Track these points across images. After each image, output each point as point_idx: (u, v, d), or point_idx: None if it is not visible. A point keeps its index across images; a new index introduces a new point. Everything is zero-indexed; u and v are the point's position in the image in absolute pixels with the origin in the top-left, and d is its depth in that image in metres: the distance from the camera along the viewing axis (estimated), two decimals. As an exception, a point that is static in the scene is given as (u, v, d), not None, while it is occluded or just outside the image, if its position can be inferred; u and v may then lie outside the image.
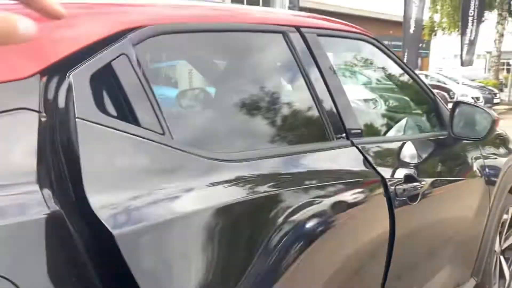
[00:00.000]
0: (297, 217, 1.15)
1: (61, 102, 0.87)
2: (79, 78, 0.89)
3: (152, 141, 0.96)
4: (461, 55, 14.82)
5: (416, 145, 1.83)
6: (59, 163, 0.83)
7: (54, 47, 0.90)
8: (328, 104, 1.48)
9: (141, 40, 1.04)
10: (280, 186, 1.17)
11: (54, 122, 0.85)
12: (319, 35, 1.58)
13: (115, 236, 0.80)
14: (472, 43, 14.57)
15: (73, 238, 0.80)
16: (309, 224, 1.19)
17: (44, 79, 0.86)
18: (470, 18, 14.74)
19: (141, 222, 0.87)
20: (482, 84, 17.11)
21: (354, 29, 1.85)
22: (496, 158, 2.49)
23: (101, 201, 0.83)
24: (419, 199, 1.64)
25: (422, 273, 1.89)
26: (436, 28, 22.96)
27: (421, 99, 2.16)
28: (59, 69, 0.89)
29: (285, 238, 1.10)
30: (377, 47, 1.93)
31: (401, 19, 40.13)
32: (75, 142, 0.84)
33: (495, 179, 2.41)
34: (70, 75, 0.88)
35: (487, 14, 18.22)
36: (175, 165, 1.00)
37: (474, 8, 14.78)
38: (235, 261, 1.01)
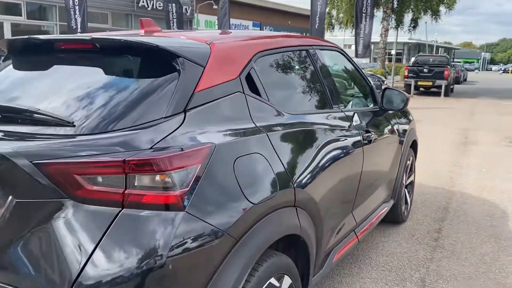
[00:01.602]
0: (321, 139, 2.31)
1: (246, 86, 1.93)
2: (247, 76, 1.96)
3: (265, 102, 2.02)
4: (356, 48, 17.01)
5: (366, 113, 3.11)
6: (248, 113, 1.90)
7: (239, 62, 1.97)
8: (330, 87, 2.68)
9: (260, 56, 2.13)
10: (311, 126, 2.32)
11: (245, 96, 1.92)
12: (321, 49, 2.76)
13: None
14: (366, 37, 16.79)
15: None
16: (333, 140, 2.39)
17: (242, 77, 1.92)
18: (364, 14, 16.92)
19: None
20: (372, 72, 19.53)
21: (331, 44, 3.07)
22: (403, 124, 3.89)
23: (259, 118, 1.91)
24: (372, 142, 2.93)
25: (371, 189, 3.18)
26: (333, 23, 25.34)
27: (365, 86, 3.43)
28: (242, 71, 1.95)
29: (320, 145, 2.27)
30: (342, 54, 3.18)
31: (298, 11, 41.95)
32: (244, 103, 1.89)
33: (403, 137, 3.81)
34: (250, 70, 1.96)
35: (375, 11, 20.72)
36: (270, 113, 2.06)
37: (367, 6, 16.96)
38: (297, 157, 2.12)
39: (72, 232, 1.38)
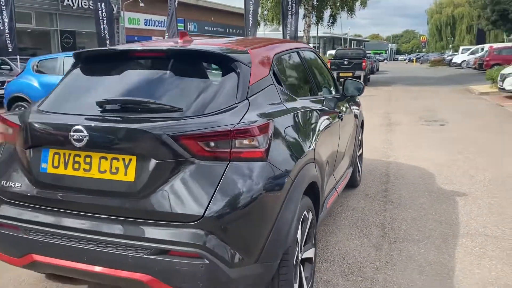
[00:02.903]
0: (319, 116, 3.18)
1: (274, 80, 2.73)
2: (273, 73, 2.77)
3: (285, 91, 2.84)
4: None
5: (333, 98, 4.03)
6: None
7: (267, 62, 2.77)
8: (314, 79, 3.56)
9: (277, 57, 2.94)
10: (311, 107, 3.18)
11: (275, 87, 2.72)
12: (305, 50, 3.63)
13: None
14: (292, 33, 18.02)
15: None
16: (324, 117, 3.27)
17: (271, 73, 2.72)
18: (289, 12, 18.13)
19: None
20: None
21: (308, 47, 3.95)
22: (356, 107, 4.89)
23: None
24: (342, 119, 3.86)
25: (342, 156, 4.10)
26: (259, 19, 26.43)
27: (330, 78, 4.35)
28: (270, 69, 2.75)
29: (319, 121, 3.14)
30: (315, 54, 4.08)
31: (221, 7, 42.25)
32: (276, 92, 2.71)
33: (356, 118, 4.81)
34: (273, 68, 2.77)
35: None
36: (290, 98, 2.88)
37: (292, 3, 18.19)
38: (310, 128, 2.97)
39: (198, 179, 2.11)
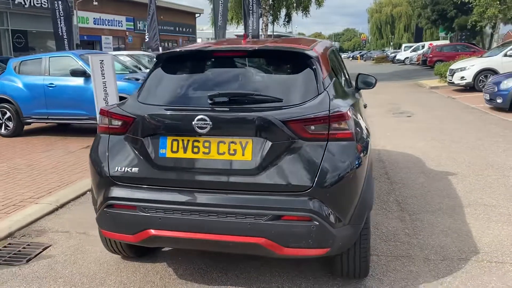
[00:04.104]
0: (362, 103, 3.70)
1: (334, 74, 3.21)
2: (332, 67, 3.25)
3: (342, 83, 3.34)
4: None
5: (354, 90, 4.56)
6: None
7: (326, 59, 3.23)
8: (346, 73, 4.07)
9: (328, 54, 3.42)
10: (357, 96, 3.69)
11: (338, 80, 3.20)
12: (333, 48, 4.13)
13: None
14: (254, 31, 18.54)
15: None
16: (363, 105, 3.79)
17: (331, 69, 3.19)
18: (251, 12, 18.65)
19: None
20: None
21: (333, 44, 4.45)
22: (361, 98, 5.47)
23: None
24: (365, 107, 4.40)
25: None
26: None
27: (346, 73, 4.88)
28: (330, 65, 3.22)
29: (363, 108, 3.65)
30: (338, 51, 4.59)
31: (170, 6, 41.91)
32: (339, 84, 3.19)
33: (365, 107, 5.39)
34: (330, 64, 3.25)
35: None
36: (347, 88, 3.39)
37: (252, 4, 18.72)
38: (363, 114, 3.49)
39: (305, 157, 2.54)
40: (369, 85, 4.75)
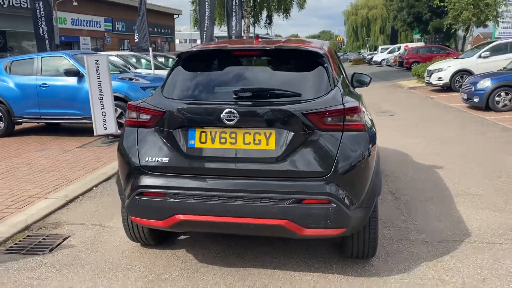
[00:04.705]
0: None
1: (340, 72, 3.49)
2: (338, 65, 3.53)
3: (348, 80, 3.62)
4: (229, 43, 18.82)
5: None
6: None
7: (333, 57, 3.51)
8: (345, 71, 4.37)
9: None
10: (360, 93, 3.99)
11: (346, 76, 3.48)
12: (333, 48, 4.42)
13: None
14: (237, 33, 18.74)
15: None
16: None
17: (338, 66, 3.47)
18: (234, 13, 18.86)
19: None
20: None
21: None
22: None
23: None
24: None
25: None
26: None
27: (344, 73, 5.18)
28: (337, 62, 3.50)
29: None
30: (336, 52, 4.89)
31: (150, 7, 41.76)
32: (346, 80, 3.48)
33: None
34: (335, 62, 3.53)
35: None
36: (349, 85, 3.67)
37: (235, 5, 18.93)
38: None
39: (323, 146, 2.80)
40: (363, 83, 5.04)
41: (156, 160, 2.96)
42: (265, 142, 2.84)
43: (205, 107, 2.95)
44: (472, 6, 19.20)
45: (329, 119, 2.85)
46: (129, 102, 3.19)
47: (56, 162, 6.69)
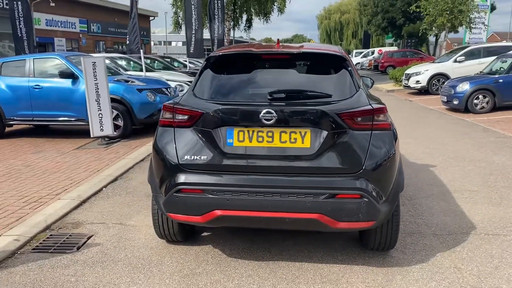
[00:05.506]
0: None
1: (356, 73, 3.71)
2: (350, 63, 3.75)
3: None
4: (211, 47, 18.91)
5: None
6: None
7: (350, 60, 3.73)
8: None
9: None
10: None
11: (362, 78, 3.70)
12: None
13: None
14: (220, 36, 18.84)
15: None
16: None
17: (350, 61, 3.69)
18: (216, 16, 18.97)
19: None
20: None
21: None
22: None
23: None
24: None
25: None
26: (181, 22, 26.87)
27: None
28: (353, 65, 3.72)
29: None
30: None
31: (125, 8, 41.10)
32: (361, 82, 3.69)
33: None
34: (349, 61, 3.73)
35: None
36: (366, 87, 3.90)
37: (217, 8, 19.05)
38: None
39: (355, 144, 3.00)
40: (366, 86, 5.28)
41: (195, 158, 3.10)
42: (301, 140, 3.02)
43: (243, 108, 3.10)
44: (447, 13, 19.91)
45: (360, 118, 3.06)
46: (165, 103, 3.31)
47: (56, 164, 6.68)
